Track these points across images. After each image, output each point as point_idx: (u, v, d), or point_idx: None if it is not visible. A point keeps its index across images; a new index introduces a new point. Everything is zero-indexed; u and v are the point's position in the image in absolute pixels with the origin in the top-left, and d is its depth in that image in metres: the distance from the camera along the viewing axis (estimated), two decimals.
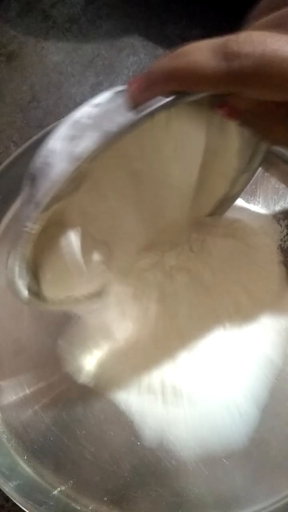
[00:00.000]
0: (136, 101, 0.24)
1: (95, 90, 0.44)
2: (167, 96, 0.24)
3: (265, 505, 0.33)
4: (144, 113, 0.24)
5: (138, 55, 0.44)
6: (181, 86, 0.24)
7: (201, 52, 0.23)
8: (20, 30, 0.46)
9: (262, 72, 0.22)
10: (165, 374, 0.35)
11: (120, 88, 0.26)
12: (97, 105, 0.25)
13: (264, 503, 0.33)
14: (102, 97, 0.26)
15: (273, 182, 0.40)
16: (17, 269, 0.28)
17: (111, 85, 0.44)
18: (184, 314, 0.36)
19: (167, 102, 0.24)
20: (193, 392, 0.35)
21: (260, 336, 0.36)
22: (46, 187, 0.25)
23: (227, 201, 0.37)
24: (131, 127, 0.24)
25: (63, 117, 0.39)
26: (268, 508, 0.33)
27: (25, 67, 0.45)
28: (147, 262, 0.37)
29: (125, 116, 0.24)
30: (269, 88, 0.23)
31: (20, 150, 0.39)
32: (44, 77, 0.44)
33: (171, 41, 0.45)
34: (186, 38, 0.44)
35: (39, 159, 0.26)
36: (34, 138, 0.39)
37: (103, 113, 0.25)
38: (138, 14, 0.46)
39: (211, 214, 0.38)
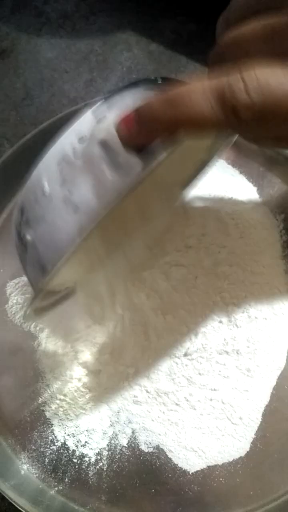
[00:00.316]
0: (126, 144, 0.23)
1: (89, 86, 0.43)
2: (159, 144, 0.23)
3: (264, 502, 0.32)
4: (137, 177, 0.23)
5: (132, 50, 0.44)
6: (177, 135, 0.23)
7: (201, 100, 0.21)
8: (13, 27, 0.46)
9: (270, 118, 0.21)
10: (160, 375, 0.35)
11: (98, 107, 0.24)
12: (81, 139, 0.24)
13: (263, 500, 0.32)
14: (83, 123, 0.24)
15: (269, 176, 0.40)
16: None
17: (104, 81, 0.43)
18: (179, 311, 0.36)
19: (162, 157, 0.23)
20: (191, 395, 0.34)
21: (261, 333, 0.35)
22: (52, 258, 0.24)
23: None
24: (129, 190, 0.23)
25: (56, 114, 0.39)
26: (267, 505, 0.32)
27: (18, 64, 0.44)
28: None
29: (118, 175, 0.23)
30: (276, 129, 0.22)
31: (14, 148, 0.39)
32: (37, 74, 0.44)
33: (165, 37, 0.44)
34: (180, 33, 0.44)
35: (31, 196, 0.25)
36: (28, 136, 0.39)
37: (89, 154, 0.24)
38: (131, 10, 0.45)
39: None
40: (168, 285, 0.36)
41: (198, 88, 0.22)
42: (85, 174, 0.23)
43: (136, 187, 0.23)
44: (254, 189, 0.40)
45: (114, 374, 0.35)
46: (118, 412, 0.34)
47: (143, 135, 0.23)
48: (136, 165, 0.23)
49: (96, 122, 0.24)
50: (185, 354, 0.35)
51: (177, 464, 0.33)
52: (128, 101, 0.25)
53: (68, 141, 0.24)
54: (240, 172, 0.40)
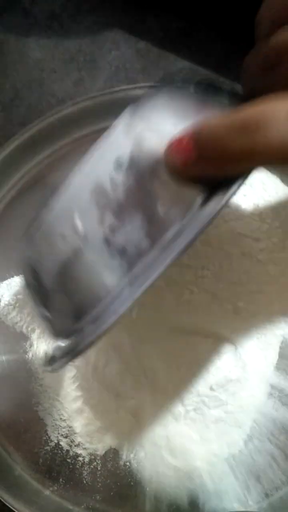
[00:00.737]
0: (180, 176, 0.19)
1: (78, 85, 0.43)
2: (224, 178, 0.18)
3: (258, 499, 0.32)
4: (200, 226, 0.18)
5: (120, 49, 0.44)
6: (251, 167, 0.18)
7: (282, 126, 0.17)
8: (0, 28, 0.45)
9: None
10: (151, 379, 0.34)
11: (130, 121, 0.20)
12: (118, 164, 0.19)
13: (257, 497, 0.32)
14: (117, 143, 0.20)
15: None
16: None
17: (93, 80, 0.43)
18: (177, 308, 0.35)
19: (231, 195, 0.18)
20: (186, 400, 0.34)
21: (252, 330, 0.35)
22: (95, 332, 0.19)
23: None
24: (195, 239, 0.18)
25: (45, 114, 0.39)
26: (261, 502, 0.32)
27: (6, 65, 0.44)
28: None
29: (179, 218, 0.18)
30: None
31: (3, 148, 0.39)
32: (26, 75, 0.44)
33: (152, 34, 0.44)
34: (168, 30, 0.44)
35: (56, 232, 0.20)
36: (17, 136, 0.39)
37: (132, 185, 0.19)
38: (119, 8, 0.45)
39: None
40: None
41: (280, 110, 0.17)
42: (131, 208, 0.19)
43: (202, 231, 0.19)
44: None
45: (103, 380, 0.35)
46: (109, 412, 0.34)
47: (203, 167, 0.19)
48: (198, 202, 0.19)
49: (132, 143, 0.20)
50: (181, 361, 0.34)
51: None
52: (166, 113, 0.20)
53: (101, 166, 0.20)
54: None
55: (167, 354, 0.34)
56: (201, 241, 0.35)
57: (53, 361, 0.23)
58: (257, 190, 0.36)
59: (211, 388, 0.34)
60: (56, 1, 0.46)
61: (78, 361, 0.35)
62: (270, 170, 0.36)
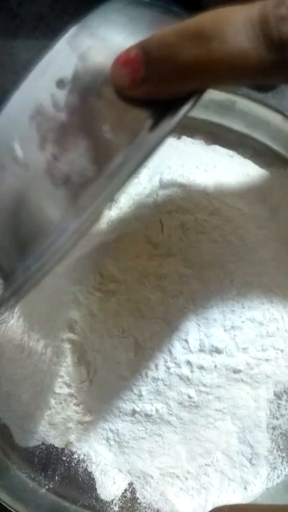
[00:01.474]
0: (128, 94, 0.17)
1: None
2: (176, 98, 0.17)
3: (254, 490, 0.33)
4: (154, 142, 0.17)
5: None
6: (205, 82, 0.17)
7: (242, 34, 0.15)
8: None
9: None
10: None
11: (76, 35, 0.19)
12: (60, 82, 0.18)
13: (251, 488, 0.33)
14: (59, 60, 0.19)
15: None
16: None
17: None
18: (167, 301, 0.35)
19: (182, 116, 0.17)
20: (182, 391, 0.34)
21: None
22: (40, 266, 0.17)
23: None
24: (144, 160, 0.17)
25: None
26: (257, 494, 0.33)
27: None
28: None
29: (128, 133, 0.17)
30: None
31: None
32: (15, 76, 0.44)
33: None
34: None
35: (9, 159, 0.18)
36: None
37: (77, 104, 0.17)
38: None
39: None
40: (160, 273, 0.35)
41: (236, 18, 0.16)
42: (75, 131, 0.18)
43: (149, 157, 0.17)
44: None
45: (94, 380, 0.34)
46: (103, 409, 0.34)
47: (153, 84, 0.17)
48: (147, 125, 0.17)
49: (77, 58, 0.18)
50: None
51: None
52: (118, 26, 0.19)
53: (41, 85, 0.19)
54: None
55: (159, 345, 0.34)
56: (191, 230, 0.34)
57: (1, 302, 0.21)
58: (240, 177, 0.36)
59: (208, 379, 0.33)
60: (43, 3, 0.46)
61: (71, 366, 0.34)
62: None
